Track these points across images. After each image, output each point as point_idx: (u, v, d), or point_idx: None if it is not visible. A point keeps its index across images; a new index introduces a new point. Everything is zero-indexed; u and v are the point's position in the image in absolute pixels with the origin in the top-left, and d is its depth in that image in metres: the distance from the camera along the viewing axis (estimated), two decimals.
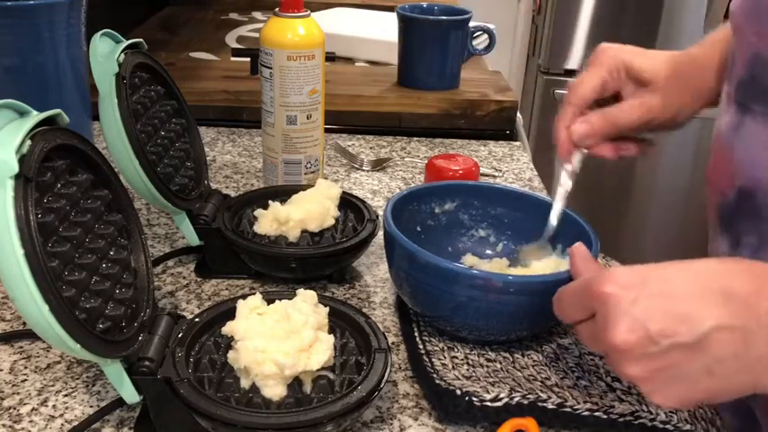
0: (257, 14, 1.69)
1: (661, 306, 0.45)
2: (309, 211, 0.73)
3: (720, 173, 0.63)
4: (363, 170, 1.02)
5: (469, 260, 0.74)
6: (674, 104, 0.68)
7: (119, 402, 0.56)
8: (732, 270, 0.47)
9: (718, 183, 0.64)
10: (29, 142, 0.48)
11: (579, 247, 0.56)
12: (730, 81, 0.63)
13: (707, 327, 0.44)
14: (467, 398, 0.55)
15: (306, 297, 0.59)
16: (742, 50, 0.60)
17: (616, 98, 0.70)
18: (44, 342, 0.62)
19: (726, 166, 0.62)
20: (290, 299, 0.59)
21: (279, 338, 0.54)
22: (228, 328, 0.57)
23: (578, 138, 0.68)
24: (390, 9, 1.50)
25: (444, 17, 1.19)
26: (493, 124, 1.16)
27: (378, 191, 0.96)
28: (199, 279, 0.75)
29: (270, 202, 0.75)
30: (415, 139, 1.14)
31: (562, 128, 0.69)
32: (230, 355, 0.55)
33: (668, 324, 0.45)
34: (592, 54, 0.71)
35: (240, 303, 0.58)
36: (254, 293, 0.60)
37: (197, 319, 0.58)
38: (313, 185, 0.78)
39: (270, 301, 0.59)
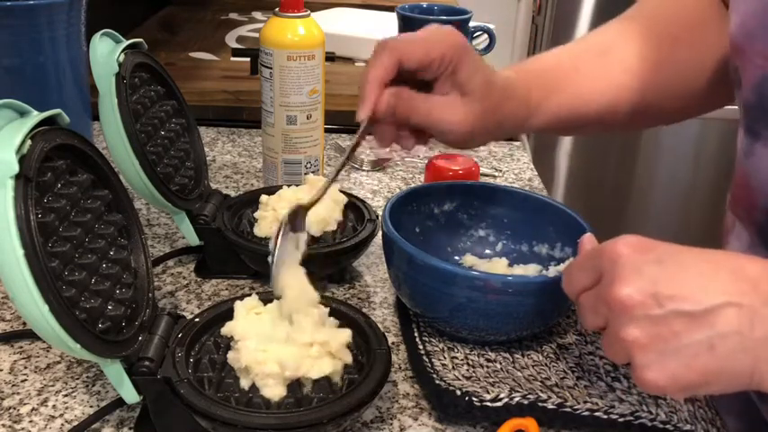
0: (257, 14, 1.69)
1: (673, 272, 0.45)
2: (314, 214, 0.73)
3: (743, 196, 0.63)
4: (363, 170, 1.02)
5: (469, 260, 0.74)
6: (477, 129, 0.62)
7: (119, 402, 0.56)
8: (744, 257, 0.47)
9: (744, 204, 0.63)
10: (29, 142, 0.48)
11: (590, 237, 0.55)
12: (739, 104, 0.62)
13: (717, 301, 0.44)
14: (467, 398, 0.55)
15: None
16: (747, 73, 0.58)
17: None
18: (44, 342, 0.62)
19: (746, 191, 0.62)
20: None
21: (280, 339, 0.54)
22: (227, 328, 0.57)
23: (385, 109, 0.60)
24: (390, 9, 1.50)
25: (444, 17, 1.19)
26: None
27: (378, 191, 0.96)
28: (199, 279, 0.75)
29: (264, 196, 0.75)
30: None
31: (376, 81, 0.59)
32: (230, 355, 0.55)
33: (677, 290, 0.44)
34: (430, 28, 0.62)
35: (237, 304, 0.58)
36: (250, 294, 0.60)
37: (197, 320, 0.58)
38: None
39: (268, 301, 0.59)
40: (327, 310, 0.59)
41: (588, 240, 0.55)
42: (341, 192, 0.77)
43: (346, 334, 0.56)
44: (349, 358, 0.55)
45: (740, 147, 0.62)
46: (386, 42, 0.60)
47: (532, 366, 0.61)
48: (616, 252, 0.46)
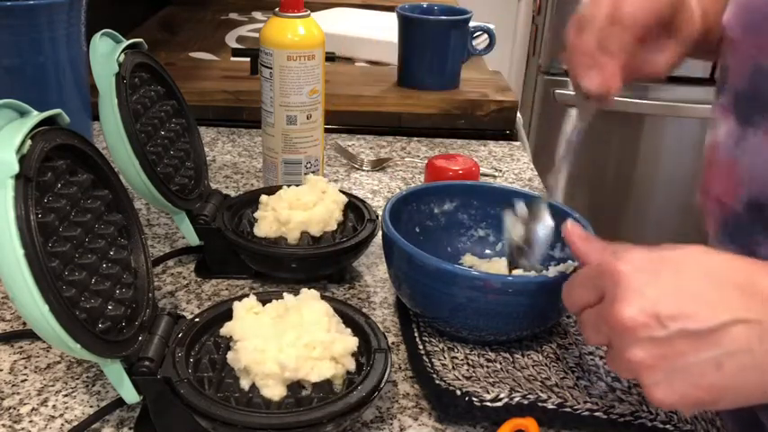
0: (257, 14, 1.69)
1: (675, 291, 0.44)
2: (314, 214, 0.73)
3: (721, 185, 0.62)
4: (363, 170, 1.02)
5: (469, 260, 0.74)
6: (680, 56, 0.62)
7: (119, 402, 0.56)
8: (753, 267, 0.46)
9: (719, 195, 0.62)
10: (29, 142, 0.48)
11: (573, 228, 0.54)
12: (724, 93, 0.61)
13: (723, 319, 0.43)
14: (467, 398, 0.55)
15: (308, 297, 0.59)
16: (739, 63, 0.59)
17: None
18: (44, 342, 0.62)
19: (728, 179, 0.61)
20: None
21: (279, 337, 0.54)
22: (227, 328, 0.57)
23: (614, 93, 0.58)
24: (390, 9, 1.50)
25: (444, 17, 1.19)
26: (493, 124, 1.16)
27: (378, 191, 0.96)
28: (199, 279, 0.75)
29: (264, 196, 0.75)
30: (415, 139, 1.14)
31: (621, 60, 0.57)
32: (230, 355, 0.55)
33: (680, 309, 0.44)
34: None
35: (236, 305, 0.58)
36: (248, 295, 0.60)
37: (197, 320, 0.58)
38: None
39: (266, 301, 0.59)
40: (337, 317, 0.58)
41: (573, 234, 0.53)
42: (341, 192, 0.77)
43: (352, 342, 0.55)
44: (352, 366, 0.55)
45: (724, 137, 0.61)
46: (620, 12, 0.56)
47: (532, 366, 0.61)
48: (617, 271, 0.46)
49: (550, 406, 0.56)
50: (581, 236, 0.53)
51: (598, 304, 0.48)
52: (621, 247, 0.49)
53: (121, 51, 0.68)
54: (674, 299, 0.44)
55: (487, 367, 0.60)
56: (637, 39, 0.58)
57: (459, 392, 0.56)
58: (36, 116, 0.50)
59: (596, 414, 0.55)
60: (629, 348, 0.45)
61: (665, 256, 0.47)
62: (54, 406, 0.57)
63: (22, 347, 0.63)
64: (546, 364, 0.61)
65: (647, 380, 0.45)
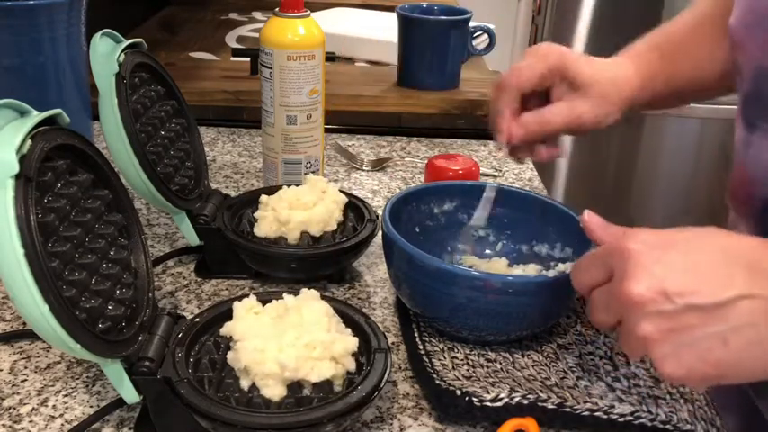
0: (257, 14, 1.69)
1: (683, 268, 0.45)
2: (314, 214, 0.73)
3: (740, 188, 0.63)
4: (363, 170, 1.02)
5: (469, 260, 0.74)
6: (601, 112, 0.70)
7: (119, 402, 0.56)
8: (761, 245, 0.47)
9: (742, 197, 0.63)
10: (29, 142, 0.48)
11: (591, 218, 0.54)
12: (738, 97, 0.62)
13: (729, 294, 0.44)
14: (467, 398, 0.55)
15: (308, 297, 0.59)
16: (746, 65, 0.59)
17: (541, 97, 0.72)
18: (44, 342, 0.63)
19: (743, 184, 0.62)
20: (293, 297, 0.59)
21: (280, 339, 0.54)
22: (227, 328, 0.57)
23: (516, 141, 0.70)
24: (390, 9, 1.50)
25: (444, 17, 1.19)
26: None
27: (378, 191, 0.96)
28: (199, 279, 0.75)
29: (264, 196, 0.75)
30: (415, 139, 1.14)
31: (509, 115, 0.70)
32: (230, 355, 0.55)
33: (687, 286, 0.45)
34: (531, 48, 0.73)
35: (236, 305, 0.58)
36: (248, 295, 0.60)
37: (197, 320, 0.58)
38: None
39: (266, 301, 0.59)
40: (337, 317, 0.58)
41: (591, 223, 0.54)
42: (341, 192, 0.77)
43: (352, 342, 0.55)
44: (352, 366, 0.55)
45: (738, 139, 0.62)
46: (503, 82, 0.71)
47: (532, 366, 0.61)
48: (626, 249, 0.47)
49: (550, 406, 0.56)
50: (599, 224, 0.54)
51: (607, 283, 0.49)
52: (638, 231, 0.50)
53: (121, 51, 0.68)
54: (681, 276, 0.45)
55: (487, 367, 0.60)
56: (521, 97, 0.70)
57: (459, 392, 0.56)
58: (36, 116, 0.50)
59: (596, 414, 0.56)
60: (639, 323, 0.46)
61: (676, 236, 0.48)
62: (54, 406, 0.57)
63: (22, 347, 0.63)
64: (546, 364, 0.61)
65: (656, 353, 0.46)
